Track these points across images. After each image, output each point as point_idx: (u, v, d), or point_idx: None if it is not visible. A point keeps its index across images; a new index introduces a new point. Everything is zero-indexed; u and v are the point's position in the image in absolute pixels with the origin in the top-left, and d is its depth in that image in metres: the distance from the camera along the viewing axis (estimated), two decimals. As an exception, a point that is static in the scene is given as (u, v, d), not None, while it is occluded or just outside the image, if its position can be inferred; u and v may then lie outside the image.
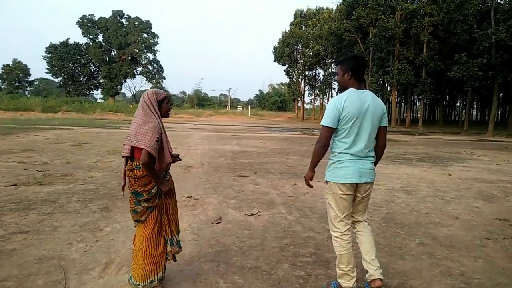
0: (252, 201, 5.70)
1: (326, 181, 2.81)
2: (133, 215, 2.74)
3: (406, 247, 3.93)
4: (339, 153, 2.72)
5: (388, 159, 11.17)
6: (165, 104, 2.79)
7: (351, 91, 2.71)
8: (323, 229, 4.37)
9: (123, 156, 2.69)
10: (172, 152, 2.87)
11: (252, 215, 4.93)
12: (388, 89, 46.25)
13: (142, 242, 2.71)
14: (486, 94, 34.84)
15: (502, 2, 28.05)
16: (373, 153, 2.82)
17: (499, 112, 58.78)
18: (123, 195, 2.96)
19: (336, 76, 2.96)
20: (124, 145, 2.69)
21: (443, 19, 32.76)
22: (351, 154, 2.70)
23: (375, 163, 2.89)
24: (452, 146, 16.97)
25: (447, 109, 62.65)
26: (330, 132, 2.70)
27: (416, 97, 51.63)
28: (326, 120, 2.69)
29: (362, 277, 2.93)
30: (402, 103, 56.42)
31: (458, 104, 70.93)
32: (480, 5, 28.78)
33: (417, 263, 3.50)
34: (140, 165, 2.57)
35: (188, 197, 5.78)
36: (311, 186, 2.96)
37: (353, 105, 2.64)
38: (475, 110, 63.52)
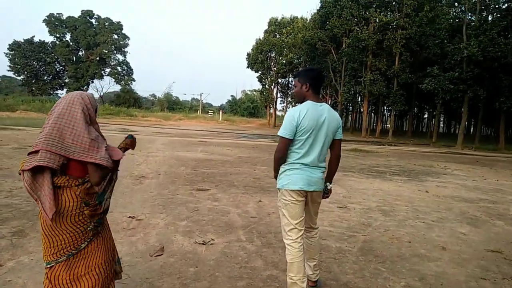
0: (207, 223, 4.79)
1: (278, 188, 2.86)
2: (95, 228, 2.22)
3: (391, 292, 3.14)
4: (291, 162, 2.78)
5: (362, 172, 10.53)
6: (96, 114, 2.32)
7: (309, 104, 2.76)
8: (289, 265, 3.53)
9: (47, 170, 2.02)
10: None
11: (203, 243, 4.03)
12: (359, 100, 46.47)
13: (97, 267, 2.22)
14: (454, 107, 35.36)
15: (473, 18, 28.47)
16: (324, 164, 2.88)
17: (465, 125, 60.60)
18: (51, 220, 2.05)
19: (294, 87, 2.96)
20: (38, 151, 2.00)
21: (416, 33, 32.99)
22: (302, 163, 2.75)
23: (332, 175, 3.01)
24: (424, 158, 16.64)
25: (415, 121, 63.83)
26: (288, 143, 2.74)
27: (385, 108, 52.25)
28: (284, 132, 2.72)
29: None
30: (372, 114, 56.99)
31: (426, 116, 72.82)
32: (452, 20, 29.09)
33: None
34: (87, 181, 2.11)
35: (130, 217, 4.80)
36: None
37: (310, 118, 2.69)
38: (442, 122, 65.04)
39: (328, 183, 3.01)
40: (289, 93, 54.95)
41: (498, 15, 28.16)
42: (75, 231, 2.14)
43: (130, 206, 5.34)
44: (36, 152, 2.01)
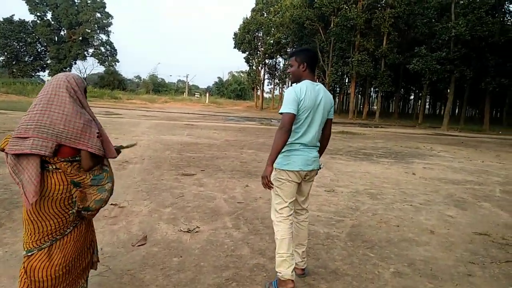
0: (193, 209, 4.67)
1: (275, 168, 2.78)
2: (96, 207, 2.20)
3: (380, 278, 3.08)
4: (291, 142, 2.74)
5: (349, 155, 10.49)
6: (85, 95, 2.25)
7: (307, 83, 2.75)
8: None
9: (35, 156, 1.96)
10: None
11: (188, 231, 3.91)
12: (346, 81, 46.38)
13: (73, 260, 2.18)
14: (441, 88, 35.58)
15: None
16: (318, 143, 2.91)
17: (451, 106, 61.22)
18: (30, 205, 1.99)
19: (290, 67, 2.94)
20: (27, 138, 1.95)
21: (404, 11, 32.76)
22: (301, 143, 2.76)
23: (321, 153, 3.01)
24: (410, 140, 16.73)
25: (402, 102, 64.20)
26: (292, 118, 2.65)
27: (372, 89, 52.32)
28: (288, 107, 2.64)
29: None
30: (359, 95, 57.08)
31: (412, 97, 73.26)
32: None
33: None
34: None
35: (111, 204, 4.64)
36: (270, 187, 2.73)
37: (310, 97, 2.69)
38: (427, 103, 65.61)
39: (320, 163, 3.02)
40: (277, 74, 54.55)
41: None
42: (63, 216, 2.10)
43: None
44: (24, 137, 1.95)
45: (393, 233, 4.20)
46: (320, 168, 3.00)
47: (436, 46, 28.28)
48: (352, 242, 3.85)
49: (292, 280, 2.72)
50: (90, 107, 2.25)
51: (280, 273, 2.72)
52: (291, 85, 2.83)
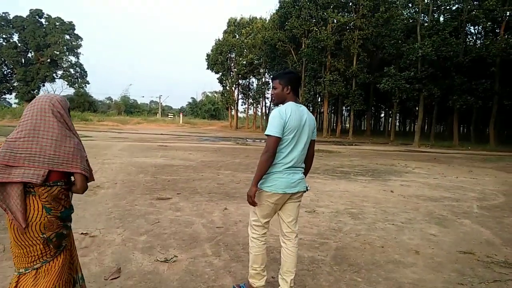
0: (169, 236, 4.41)
1: (258, 187, 2.79)
2: (56, 242, 2.13)
3: (370, 306, 2.93)
4: (277, 163, 2.75)
5: (327, 173, 10.45)
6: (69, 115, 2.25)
7: (292, 104, 2.79)
8: (261, 282, 3.24)
9: (20, 183, 1.99)
10: None
11: (166, 260, 3.66)
12: (319, 100, 47.13)
13: (57, 280, 2.13)
14: (410, 105, 36.65)
15: (426, 18, 29.55)
16: (303, 164, 2.94)
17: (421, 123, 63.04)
18: (44, 236, 2.09)
19: (273, 89, 2.95)
20: (16, 167, 1.97)
21: (372, 33, 33.90)
22: (285, 164, 2.76)
23: (306, 173, 3.04)
24: (385, 157, 16.95)
25: (373, 120, 65.70)
26: (277, 142, 2.69)
27: (344, 108, 53.31)
28: (274, 130, 2.68)
29: None
30: (332, 114, 58.02)
31: (382, 115, 75.14)
32: (406, 21, 30.02)
33: None
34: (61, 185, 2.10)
35: (82, 233, 4.33)
36: (254, 204, 2.82)
37: (295, 118, 2.73)
38: (397, 121, 67.34)
39: (306, 184, 3.03)
40: (250, 94, 54.84)
41: (449, 16, 29.40)
42: (40, 242, 2.09)
43: (83, 220, 4.84)
44: (12, 166, 1.96)
45: (378, 254, 4.08)
46: (307, 189, 3.00)
47: (404, 66, 29.23)
48: (338, 266, 3.70)
49: None
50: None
51: (253, 284, 2.91)
52: (274, 107, 2.90)
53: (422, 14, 29.52)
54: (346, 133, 44.14)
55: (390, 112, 61.12)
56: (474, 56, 27.36)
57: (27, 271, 2.09)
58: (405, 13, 31.06)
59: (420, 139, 29.62)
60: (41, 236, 2.06)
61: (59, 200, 2.11)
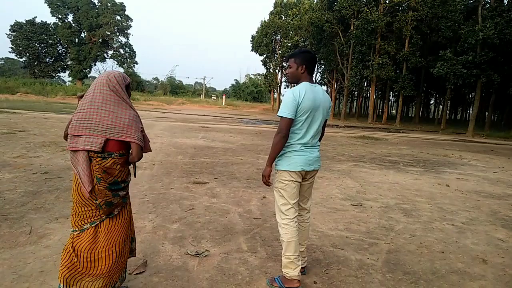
0: (203, 226, 4.09)
1: (277, 170, 2.86)
2: (106, 209, 2.32)
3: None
4: (291, 144, 2.77)
5: (373, 162, 9.78)
6: (129, 90, 2.45)
7: (306, 85, 2.76)
8: (305, 285, 2.84)
9: (85, 150, 2.21)
10: None
11: (197, 254, 3.33)
12: (366, 84, 45.31)
13: (118, 245, 2.36)
14: (465, 92, 34.33)
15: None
16: (319, 142, 2.95)
17: (469, 111, 59.29)
18: (96, 202, 2.30)
19: (288, 68, 2.92)
20: (80, 135, 2.20)
21: (427, 14, 31.73)
22: (302, 144, 2.77)
23: None
24: (436, 146, 15.84)
25: (422, 107, 62.63)
26: (290, 123, 2.71)
27: (391, 93, 51.03)
28: (286, 112, 2.68)
29: None
30: (378, 99, 55.82)
31: (431, 102, 71.52)
32: (466, 1, 27.76)
33: None
34: (116, 155, 2.27)
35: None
36: (268, 185, 2.92)
37: (309, 98, 2.70)
38: (448, 108, 63.81)
39: None
40: (294, 77, 53.77)
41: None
42: (94, 203, 2.30)
43: (115, 203, 4.62)
44: (78, 135, 2.20)
45: (438, 261, 3.53)
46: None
47: (461, 50, 27.05)
48: (392, 274, 3.20)
49: (299, 280, 2.79)
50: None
51: (287, 273, 2.78)
52: (290, 87, 2.52)
53: (485, -6, 27.12)
54: (392, 119, 42.30)
55: (441, 98, 58.03)
56: (542, 40, 24.82)
57: (85, 229, 2.30)
58: (465, -7, 28.70)
59: (474, 129, 27.66)
60: (94, 201, 2.27)
61: (112, 171, 2.26)
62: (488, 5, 26.51)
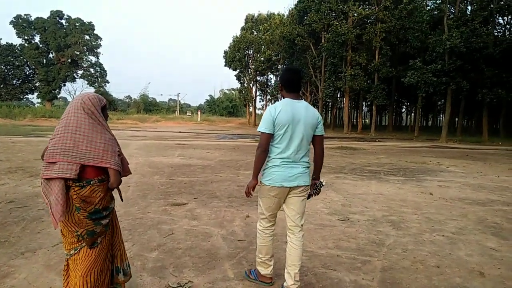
0: (184, 253, 3.79)
1: (260, 181, 2.93)
2: (88, 239, 2.22)
3: None
4: (273, 158, 2.84)
5: (354, 173, 9.69)
6: (106, 112, 2.36)
7: (285, 100, 2.86)
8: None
9: (60, 178, 2.09)
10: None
11: (179, 286, 3.03)
12: (339, 95, 45.94)
13: (94, 274, 2.24)
14: (436, 99, 35.22)
15: (453, 10, 28.16)
16: (306, 159, 2.94)
17: (442, 118, 61.00)
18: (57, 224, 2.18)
19: None
20: (55, 162, 2.09)
21: (395, 25, 32.63)
22: (282, 159, 2.81)
23: (318, 171, 3.09)
24: (413, 154, 16.01)
25: (394, 115, 64.02)
26: (268, 138, 2.79)
27: (364, 103, 51.88)
28: (263, 127, 2.79)
29: None
30: (352, 110, 56.66)
31: (403, 110, 73.24)
32: (432, 12, 28.65)
33: None
34: (94, 182, 2.18)
35: (84, 249, 3.76)
36: (249, 196, 2.99)
37: (285, 113, 2.76)
38: (420, 116, 65.38)
39: (322, 180, 3.10)
40: (269, 91, 53.98)
41: (477, 6, 27.82)
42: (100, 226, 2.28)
43: (87, 232, 4.26)
44: (53, 162, 2.09)
45: (435, 277, 3.36)
46: (322, 184, 3.08)
47: (430, 59, 27.83)
48: (390, 295, 3.00)
49: (271, 277, 3.08)
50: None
51: (260, 271, 3.07)
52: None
53: (449, 5, 28.03)
54: (367, 129, 42.95)
55: (412, 106, 59.43)
56: (505, 47, 25.86)
57: (74, 253, 2.25)
58: (430, 4, 29.69)
59: (447, 135, 28.31)
60: (74, 232, 2.19)
61: (92, 199, 2.16)
62: (452, 15, 27.44)
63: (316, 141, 2.97)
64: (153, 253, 3.75)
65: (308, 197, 3.08)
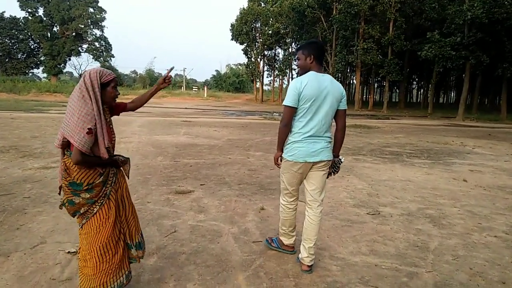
0: (188, 259, 3.11)
1: (282, 156, 2.96)
2: (69, 207, 2.24)
3: None
4: (296, 132, 2.82)
5: (374, 154, 8.93)
6: (110, 89, 2.23)
7: (311, 74, 2.80)
8: None
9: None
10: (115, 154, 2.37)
11: (180, 312, 2.35)
12: (349, 70, 44.53)
13: (96, 250, 2.20)
14: (453, 74, 33.82)
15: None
16: (328, 134, 2.91)
17: (453, 94, 59.34)
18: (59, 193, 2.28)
19: (297, 60, 2.98)
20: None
21: (411, -4, 31.03)
22: (304, 133, 2.78)
23: (339, 147, 3.03)
24: (433, 133, 15.14)
25: (406, 92, 62.43)
26: (292, 112, 2.79)
27: (376, 79, 50.45)
28: (287, 100, 2.78)
29: None
30: (362, 86, 55.22)
31: (414, 86, 71.50)
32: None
33: None
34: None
35: (69, 252, 3.12)
36: (278, 166, 3.05)
37: (312, 87, 2.72)
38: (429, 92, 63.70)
39: (340, 157, 3.04)
40: (276, 65, 52.50)
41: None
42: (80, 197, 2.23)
43: (75, 230, 3.57)
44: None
45: (506, 300, 2.64)
46: (340, 162, 3.04)
47: (448, 32, 26.36)
48: (456, 329, 2.29)
49: (293, 246, 3.20)
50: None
51: (284, 241, 3.19)
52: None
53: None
54: (378, 105, 41.78)
55: (422, 82, 57.79)
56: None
57: (80, 227, 2.29)
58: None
59: (463, 112, 27.21)
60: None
61: (70, 171, 2.15)
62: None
63: (339, 115, 2.92)
64: (151, 259, 3.07)
65: (327, 176, 3.01)
